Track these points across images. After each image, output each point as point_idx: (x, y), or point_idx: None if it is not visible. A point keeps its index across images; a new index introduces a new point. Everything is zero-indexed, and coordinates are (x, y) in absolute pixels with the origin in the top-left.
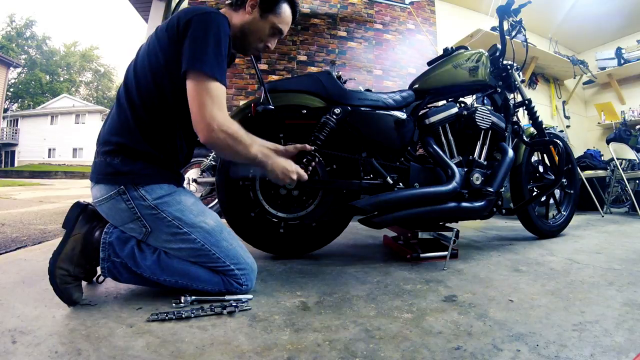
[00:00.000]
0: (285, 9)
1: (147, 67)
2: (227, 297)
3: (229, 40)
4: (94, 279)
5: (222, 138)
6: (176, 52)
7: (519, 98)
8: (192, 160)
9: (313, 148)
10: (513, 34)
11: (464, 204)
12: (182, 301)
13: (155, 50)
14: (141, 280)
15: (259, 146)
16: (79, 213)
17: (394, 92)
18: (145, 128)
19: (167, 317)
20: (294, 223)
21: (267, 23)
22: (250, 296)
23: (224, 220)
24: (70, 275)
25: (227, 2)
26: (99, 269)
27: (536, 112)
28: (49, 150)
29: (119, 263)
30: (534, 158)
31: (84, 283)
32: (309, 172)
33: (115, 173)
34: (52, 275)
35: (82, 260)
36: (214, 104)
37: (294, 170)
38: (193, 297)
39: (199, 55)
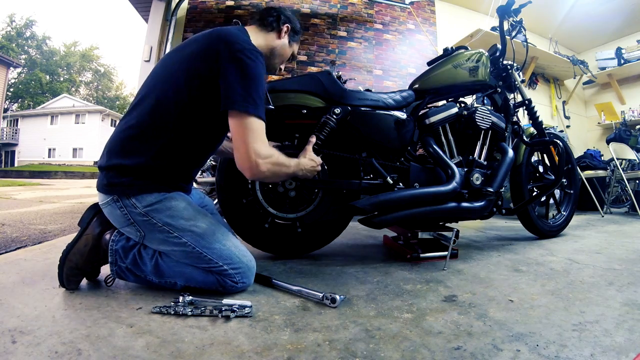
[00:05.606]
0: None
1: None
2: (229, 302)
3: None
4: (104, 280)
5: (267, 169)
6: (210, 75)
7: (519, 98)
8: None
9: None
10: (513, 34)
11: (464, 204)
12: (181, 301)
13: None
14: (145, 281)
15: (294, 162)
16: (94, 214)
17: (394, 92)
18: (135, 143)
19: (166, 312)
20: (281, 222)
21: (291, 49)
22: (249, 303)
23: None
24: (77, 268)
25: (255, 19)
26: (102, 268)
27: (536, 112)
28: (49, 150)
29: (124, 267)
30: (534, 158)
31: (86, 283)
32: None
33: (108, 185)
34: (62, 264)
35: (91, 256)
36: (256, 139)
37: (317, 163)
38: (190, 298)
39: (242, 94)
